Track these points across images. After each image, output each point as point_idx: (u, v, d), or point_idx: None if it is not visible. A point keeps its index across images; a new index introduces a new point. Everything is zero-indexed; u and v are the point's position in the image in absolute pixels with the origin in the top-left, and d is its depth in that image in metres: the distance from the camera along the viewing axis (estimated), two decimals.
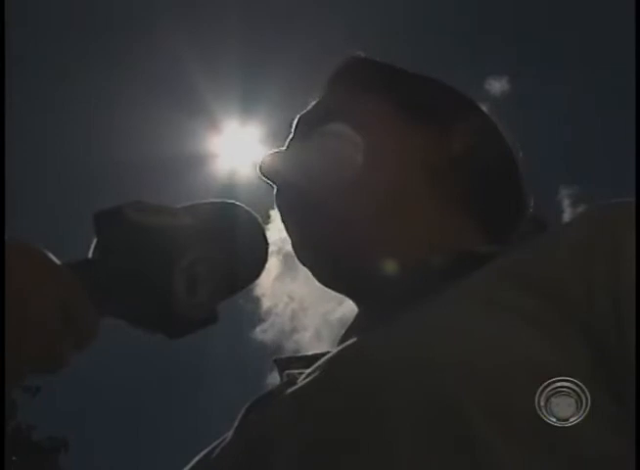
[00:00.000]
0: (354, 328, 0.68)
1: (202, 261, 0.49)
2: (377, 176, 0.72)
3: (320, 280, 0.74)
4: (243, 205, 0.55)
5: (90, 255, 0.50)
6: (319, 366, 0.57)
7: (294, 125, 0.79)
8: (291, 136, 0.79)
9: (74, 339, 0.45)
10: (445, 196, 0.72)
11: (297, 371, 0.63)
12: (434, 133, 0.74)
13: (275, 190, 0.75)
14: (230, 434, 0.62)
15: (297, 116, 0.79)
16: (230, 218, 0.54)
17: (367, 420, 0.49)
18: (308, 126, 0.77)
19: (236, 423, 0.62)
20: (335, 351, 0.58)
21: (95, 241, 0.50)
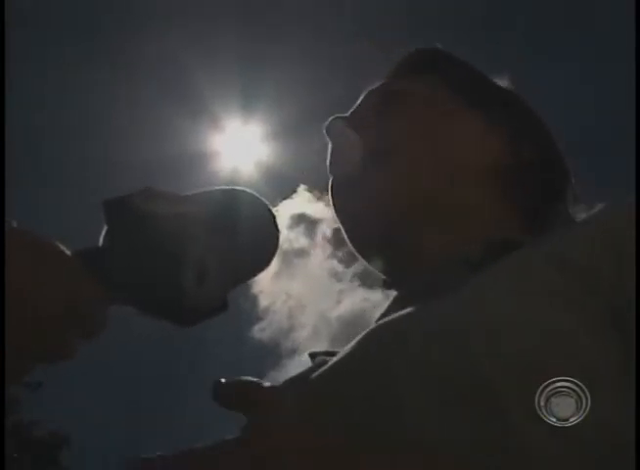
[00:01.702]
0: (390, 312, 0.69)
1: (211, 251, 0.49)
2: (430, 169, 0.74)
3: (357, 247, 0.77)
4: (253, 191, 0.54)
5: (100, 243, 0.50)
6: (349, 347, 0.59)
7: (362, 96, 0.83)
8: (357, 105, 0.82)
9: (83, 330, 0.45)
10: (491, 191, 0.74)
11: (327, 357, 0.64)
12: (498, 135, 0.76)
13: (330, 153, 0.79)
14: None
15: (368, 89, 0.83)
16: (240, 206, 0.53)
17: (398, 394, 0.50)
18: (374, 106, 0.80)
19: None
20: (365, 332, 0.60)
21: (105, 229, 0.50)
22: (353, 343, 0.59)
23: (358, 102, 0.83)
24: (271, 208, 0.54)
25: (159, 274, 0.48)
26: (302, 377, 0.64)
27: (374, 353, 0.56)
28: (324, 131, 0.80)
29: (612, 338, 0.49)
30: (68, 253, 0.46)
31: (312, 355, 0.71)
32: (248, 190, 0.54)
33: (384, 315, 0.69)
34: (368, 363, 0.55)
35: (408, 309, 0.60)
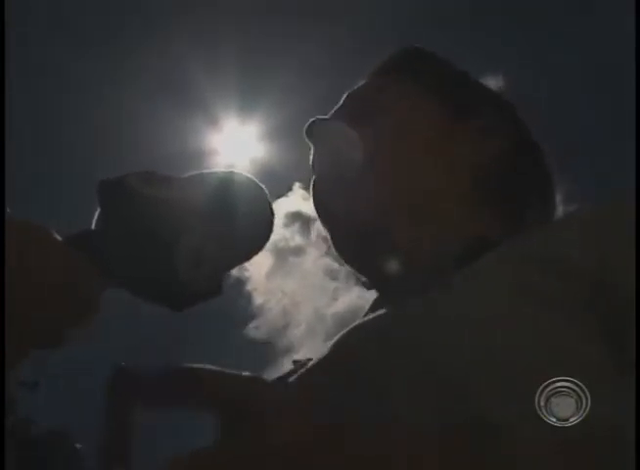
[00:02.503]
0: (371, 313, 0.69)
1: (206, 232, 0.49)
2: (412, 171, 0.74)
3: (338, 250, 0.76)
4: (248, 174, 0.54)
5: (94, 225, 0.49)
6: (328, 348, 0.58)
7: (343, 98, 0.82)
8: (338, 107, 0.81)
9: (78, 315, 0.45)
10: (472, 190, 0.74)
11: (305, 359, 0.64)
12: (478, 133, 0.76)
13: (313, 153, 0.78)
14: None
15: (347, 92, 0.82)
16: (235, 189, 0.53)
17: (377, 395, 0.49)
18: (355, 107, 0.79)
19: None
20: (344, 331, 0.59)
21: (99, 211, 0.49)
22: (332, 342, 0.58)
23: (339, 104, 0.82)
24: (265, 190, 0.54)
25: (154, 256, 0.47)
26: (281, 379, 0.63)
27: (355, 352, 0.55)
28: (304, 134, 0.78)
29: (596, 338, 0.49)
30: (60, 240, 0.46)
31: (295, 363, 0.71)
32: (243, 173, 0.53)
33: (370, 312, 0.69)
34: (348, 362, 0.54)
35: (389, 310, 0.59)
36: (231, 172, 0.53)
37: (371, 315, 0.61)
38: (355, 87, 0.83)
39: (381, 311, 0.60)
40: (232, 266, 0.53)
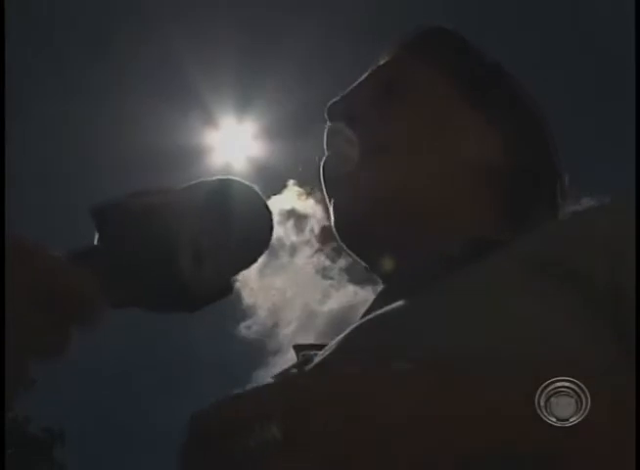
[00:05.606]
0: (374, 307, 0.69)
1: (205, 234, 0.49)
2: (424, 162, 0.73)
3: (345, 242, 0.77)
4: (240, 179, 0.55)
5: (95, 243, 0.50)
6: (336, 340, 0.58)
7: (366, 73, 0.81)
8: (360, 80, 0.80)
9: (79, 324, 0.45)
10: (478, 190, 0.74)
11: (312, 352, 0.63)
12: (493, 129, 0.76)
13: (326, 132, 0.78)
14: None
15: (370, 69, 0.81)
16: (228, 192, 0.53)
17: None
18: (374, 87, 0.79)
19: None
20: (351, 327, 0.59)
21: (98, 234, 0.50)
22: (340, 338, 0.58)
23: (358, 82, 0.81)
24: (259, 191, 0.55)
25: (155, 264, 0.47)
26: (290, 372, 0.63)
27: (363, 347, 0.55)
28: (325, 114, 0.78)
29: (603, 340, 0.48)
30: (57, 256, 0.46)
31: (297, 348, 0.71)
32: (233, 177, 0.54)
33: (369, 311, 0.69)
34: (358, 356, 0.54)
35: (394, 305, 0.60)
36: (220, 178, 0.54)
37: (381, 310, 0.61)
38: (377, 65, 0.82)
39: (389, 307, 0.60)
40: (240, 267, 0.54)
